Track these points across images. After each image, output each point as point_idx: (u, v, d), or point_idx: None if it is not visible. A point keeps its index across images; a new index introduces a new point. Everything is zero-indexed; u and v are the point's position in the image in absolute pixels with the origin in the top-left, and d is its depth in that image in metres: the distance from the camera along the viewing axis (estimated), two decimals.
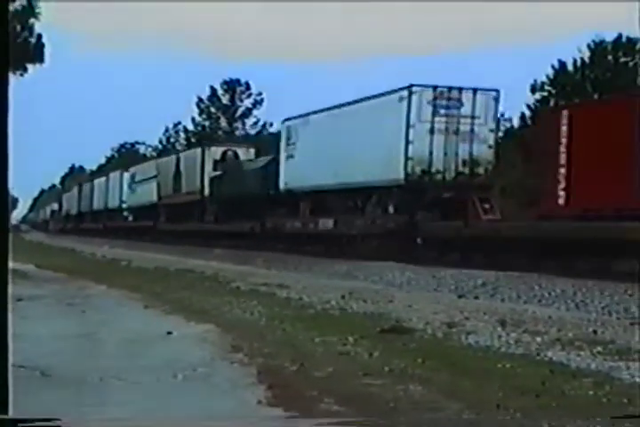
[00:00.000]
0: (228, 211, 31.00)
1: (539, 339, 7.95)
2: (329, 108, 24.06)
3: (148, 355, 7.17)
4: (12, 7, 24.72)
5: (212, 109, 65.22)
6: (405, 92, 20.34)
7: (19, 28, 25.02)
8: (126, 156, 75.81)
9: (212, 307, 10.82)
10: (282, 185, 26.15)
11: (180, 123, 67.67)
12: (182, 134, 67.73)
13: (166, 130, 69.16)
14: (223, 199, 31.59)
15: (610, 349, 7.37)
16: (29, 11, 25.08)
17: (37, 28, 25.67)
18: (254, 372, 6.27)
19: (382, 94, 21.47)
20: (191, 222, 35.44)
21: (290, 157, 25.87)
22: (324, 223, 23.67)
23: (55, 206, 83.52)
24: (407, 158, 19.97)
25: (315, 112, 24.96)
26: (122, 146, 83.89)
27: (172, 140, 69.21)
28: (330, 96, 59.18)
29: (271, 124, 41.95)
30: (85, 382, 5.90)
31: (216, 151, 34.12)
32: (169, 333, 8.27)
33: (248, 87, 64.45)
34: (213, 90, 64.73)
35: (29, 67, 25.84)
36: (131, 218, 49.20)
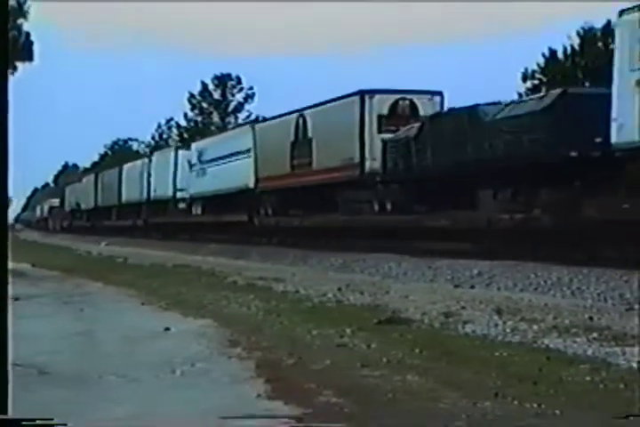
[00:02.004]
0: (431, 194, 18.56)
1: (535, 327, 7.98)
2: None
3: (146, 351, 7.19)
4: None
5: (204, 105, 65.26)
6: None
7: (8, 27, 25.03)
8: (120, 152, 75.72)
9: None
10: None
11: (172, 119, 67.75)
12: (175, 130, 67.77)
13: (159, 126, 69.20)
14: (421, 174, 18.80)
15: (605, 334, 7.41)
16: (18, 10, 25.08)
17: (27, 26, 25.68)
18: (252, 366, 6.29)
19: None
20: (331, 214, 22.97)
21: None
22: None
23: (55, 202, 73.21)
24: None
25: None
26: (115, 143, 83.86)
27: (164, 136, 69.23)
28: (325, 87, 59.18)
29: (264, 119, 41.49)
30: (84, 380, 5.91)
31: (382, 102, 21.90)
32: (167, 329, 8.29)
33: (239, 81, 64.54)
34: (204, 85, 64.80)
35: (19, 65, 25.84)
36: (198, 210, 34.72)
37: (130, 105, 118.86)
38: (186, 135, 63.04)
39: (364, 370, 6.03)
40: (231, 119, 64.18)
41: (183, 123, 66.37)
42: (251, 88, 64.37)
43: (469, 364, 6.19)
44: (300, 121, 25.22)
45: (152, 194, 40.88)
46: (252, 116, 60.79)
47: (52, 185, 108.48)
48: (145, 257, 23.24)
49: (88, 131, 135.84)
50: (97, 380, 5.89)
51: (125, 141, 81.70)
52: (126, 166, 47.11)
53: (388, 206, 20.56)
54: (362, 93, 22.21)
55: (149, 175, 41.48)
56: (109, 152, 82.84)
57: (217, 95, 64.75)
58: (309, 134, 24.74)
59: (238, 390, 5.55)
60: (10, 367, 3.97)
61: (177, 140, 62.72)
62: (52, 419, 4.19)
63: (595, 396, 5.12)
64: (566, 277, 12.48)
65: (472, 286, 12.79)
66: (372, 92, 22.22)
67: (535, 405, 4.87)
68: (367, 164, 21.72)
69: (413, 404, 5.06)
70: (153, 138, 70.46)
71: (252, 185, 28.78)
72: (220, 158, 32.19)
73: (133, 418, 4.85)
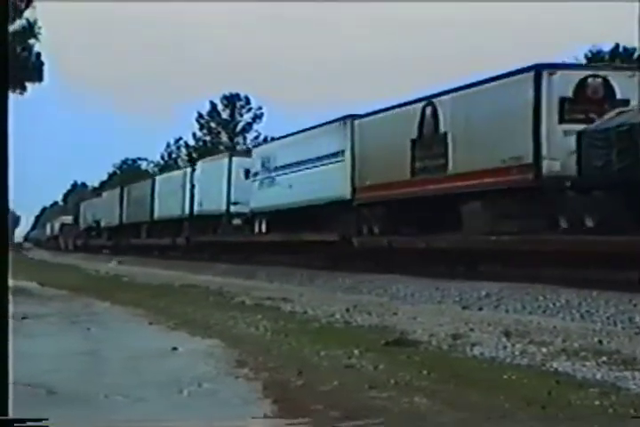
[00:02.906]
0: None
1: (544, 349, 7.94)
2: None
3: (153, 371, 7.17)
4: (11, 28, 25.00)
5: (213, 124, 65.53)
6: None
7: (19, 48, 25.25)
8: (128, 171, 75.98)
9: None
10: None
11: (180, 138, 68.03)
12: (184, 150, 68.03)
13: (167, 145, 69.47)
14: None
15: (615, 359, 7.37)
16: (29, 31, 25.27)
17: (37, 47, 25.89)
18: (260, 387, 6.27)
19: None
20: (454, 233, 18.07)
21: None
22: None
23: (67, 219, 69.43)
24: None
25: None
26: (123, 162, 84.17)
27: (173, 155, 69.49)
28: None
29: (272, 139, 41.52)
30: (90, 400, 5.90)
31: (566, 80, 16.47)
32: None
33: (248, 102, 64.80)
34: (213, 105, 65.08)
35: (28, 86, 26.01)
36: (262, 227, 28.78)
37: (138, 125, 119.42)
38: (194, 155, 63.25)
39: (371, 391, 6.00)
40: (239, 139, 64.42)
41: (192, 142, 66.65)
42: (259, 108, 64.66)
43: (477, 386, 6.16)
44: (428, 111, 19.33)
45: (196, 209, 35.13)
46: (261, 137, 61.06)
47: (60, 204, 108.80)
48: (153, 276, 23.24)
49: (96, 150, 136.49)
50: (103, 400, 5.88)
51: (134, 161, 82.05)
52: (160, 178, 42.55)
53: (589, 222, 14.88)
54: (538, 68, 16.46)
55: (193, 187, 35.73)
56: (118, 171, 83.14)
57: (225, 115, 65.04)
58: (442, 128, 18.90)
59: (245, 410, 5.53)
60: (19, 387, 3.98)
61: (186, 160, 62.94)
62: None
63: (604, 420, 5.08)
64: (575, 299, 12.44)
65: (480, 308, 12.75)
66: (553, 67, 16.75)
67: None
68: (545, 164, 16.13)
69: (421, 426, 5.03)
70: (162, 157, 70.76)
71: (346, 196, 22.63)
72: (296, 164, 25.88)
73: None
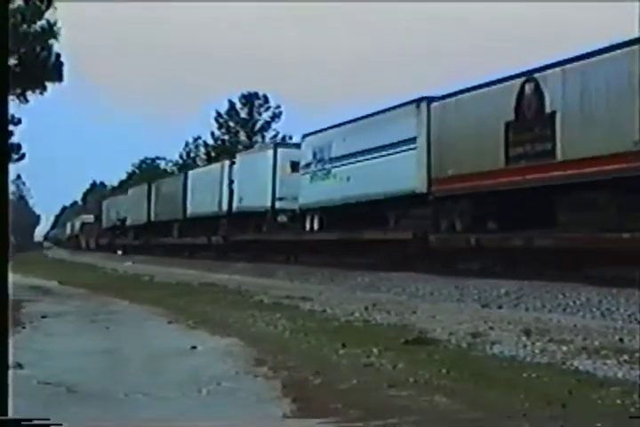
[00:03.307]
0: None
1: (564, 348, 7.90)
2: None
3: (172, 370, 7.19)
4: (32, 29, 25.14)
5: (231, 123, 65.55)
6: None
7: (39, 48, 25.41)
8: (147, 171, 76.19)
9: None
10: None
11: (199, 137, 68.12)
12: (202, 149, 68.14)
13: (186, 144, 69.60)
14: None
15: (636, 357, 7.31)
16: (49, 32, 25.41)
17: (57, 47, 26.02)
18: (279, 385, 6.27)
19: None
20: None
21: None
22: None
23: (88, 218, 68.27)
24: None
25: None
26: (142, 161, 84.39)
27: (192, 154, 69.61)
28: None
29: (290, 138, 41.29)
30: (110, 398, 5.91)
31: None
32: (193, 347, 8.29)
33: (266, 100, 64.78)
34: (232, 104, 65.12)
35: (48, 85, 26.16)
36: (314, 224, 26.03)
37: (157, 124, 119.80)
38: (213, 154, 63.35)
39: (390, 390, 5.98)
40: (258, 138, 64.45)
41: (210, 141, 66.75)
42: (278, 107, 64.62)
43: (497, 385, 6.13)
44: (529, 88, 16.71)
45: (235, 205, 32.52)
46: (280, 136, 61.09)
47: (80, 203, 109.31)
48: (170, 275, 23.31)
49: (115, 150, 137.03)
50: (123, 398, 5.89)
51: (153, 160, 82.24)
52: (194, 173, 40.17)
53: None
54: None
55: (231, 182, 33.12)
56: (137, 171, 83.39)
57: (244, 114, 65.08)
58: (549, 107, 16.16)
59: (264, 409, 5.53)
60: (40, 385, 4.00)
61: (204, 159, 63.05)
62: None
63: (626, 419, 5.04)
64: (595, 297, 12.37)
65: (500, 307, 12.69)
66: None
67: None
68: None
69: (441, 425, 5.01)
70: (181, 156, 70.90)
71: (420, 188, 19.94)
72: (357, 154, 23.14)
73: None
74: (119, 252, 48.44)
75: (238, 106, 64.97)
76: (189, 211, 38.38)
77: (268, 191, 29.44)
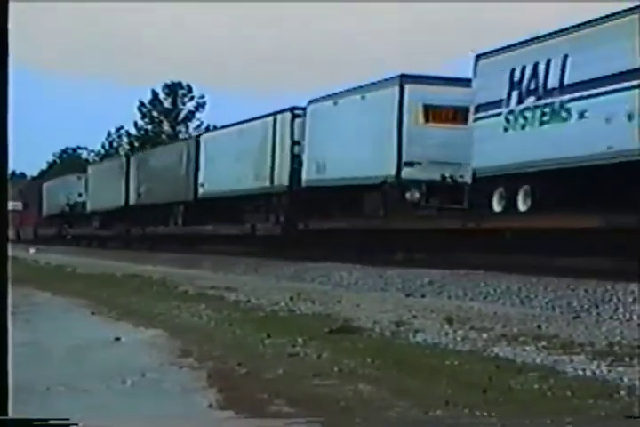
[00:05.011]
0: None
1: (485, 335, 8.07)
2: None
3: (96, 362, 7.12)
4: None
5: (155, 113, 64.84)
6: None
7: None
8: (69, 161, 74.91)
9: None
10: None
11: (122, 127, 67.24)
12: (125, 138, 67.31)
13: (109, 134, 68.66)
14: None
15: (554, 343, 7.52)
16: None
17: None
18: (204, 376, 6.27)
19: None
20: None
21: None
22: None
23: (17, 206, 54.23)
24: None
25: None
26: (63, 151, 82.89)
27: (114, 144, 68.71)
28: None
29: (215, 127, 40.96)
30: (31, 391, 5.83)
31: None
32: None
33: (190, 90, 64.25)
34: (155, 93, 64.41)
35: None
36: (516, 203, 15.85)
37: (78, 113, 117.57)
38: (136, 144, 62.62)
39: (315, 379, 6.04)
40: (182, 128, 63.92)
41: (133, 131, 65.97)
42: (202, 97, 64.14)
43: (420, 373, 6.23)
44: None
45: (306, 177, 22.27)
46: (203, 126, 60.66)
47: None
48: (93, 266, 23.00)
49: (36, 139, 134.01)
50: (44, 391, 5.81)
51: (74, 150, 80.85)
52: (210, 136, 30.07)
53: None
54: None
55: (294, 143, 23.13)
56: (58, 161, 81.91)
57: (167, 104, 64.44)
58: None
59: (190, 400, 5.52)
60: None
61: (128, 149, 62.27)
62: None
63: (543, 403, 5.19)
64: (515, 285, 12.64)
65: (423, 295, 12.88)
66: None
67: (485, 413, 4.92)
68: None
69: (365, 413, 5.08)
70: (103, 146, 69.90)
71: None
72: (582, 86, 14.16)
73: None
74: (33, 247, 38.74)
75: (161, 95, 64.34)
76: (204, 189, 28.40)
77: (390, 152, 19.33)
